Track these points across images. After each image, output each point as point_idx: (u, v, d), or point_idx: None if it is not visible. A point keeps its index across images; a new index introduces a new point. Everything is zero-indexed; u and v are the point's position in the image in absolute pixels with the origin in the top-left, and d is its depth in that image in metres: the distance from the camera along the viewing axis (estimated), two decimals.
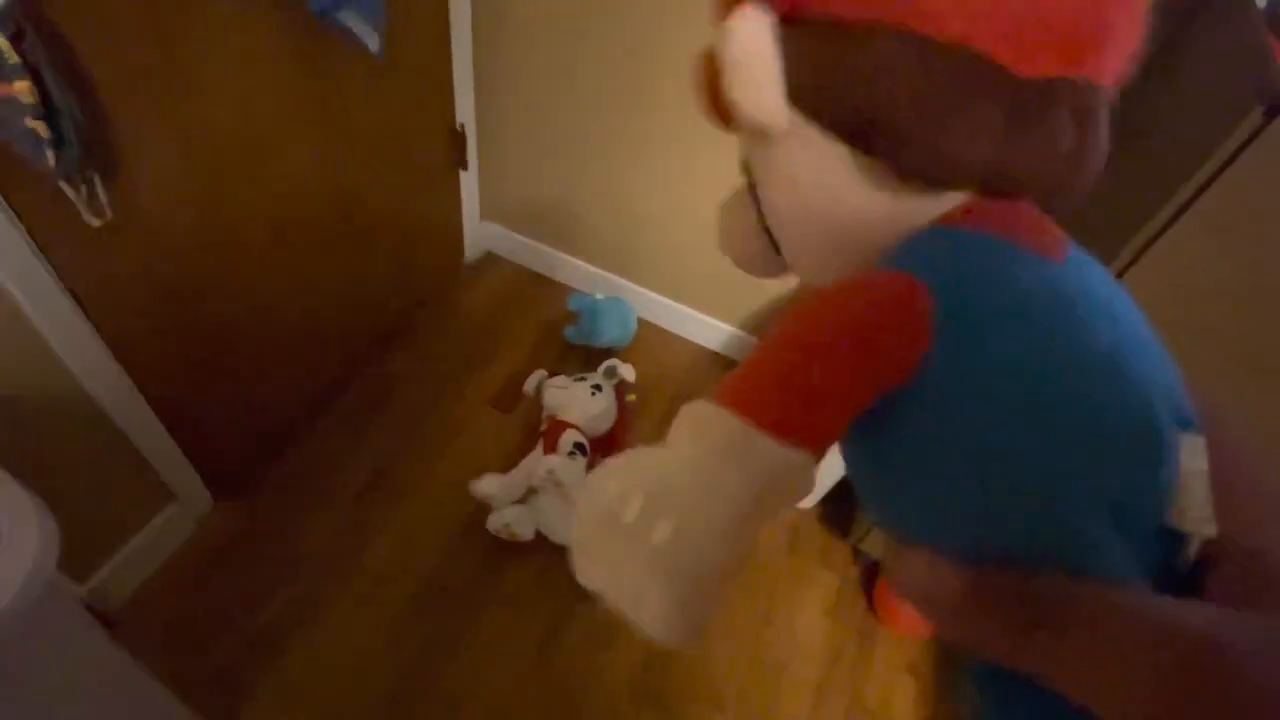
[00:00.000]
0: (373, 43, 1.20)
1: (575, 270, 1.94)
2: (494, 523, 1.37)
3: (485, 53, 1.61)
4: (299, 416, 1.56)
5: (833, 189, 0.21)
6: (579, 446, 1.41)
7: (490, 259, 2.02)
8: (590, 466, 1.44)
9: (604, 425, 1.53)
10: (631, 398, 1.60)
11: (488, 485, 1.35)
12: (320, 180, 1.35)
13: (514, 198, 1.89)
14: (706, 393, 0.18)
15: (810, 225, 0.22)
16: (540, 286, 1.98)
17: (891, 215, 0.21)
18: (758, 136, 0.22)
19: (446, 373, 1.72)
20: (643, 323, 1.89)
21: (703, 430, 0.18)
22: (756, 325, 1.83)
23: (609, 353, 1.80)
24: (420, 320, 1.81)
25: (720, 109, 0.22)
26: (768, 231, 0.25)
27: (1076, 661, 0.15)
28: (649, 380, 1.78)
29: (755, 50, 0.20)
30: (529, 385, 1.60)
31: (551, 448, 1.41)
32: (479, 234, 1.96)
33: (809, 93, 0.20)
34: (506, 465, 1.51)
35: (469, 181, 1.80)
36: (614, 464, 0.19)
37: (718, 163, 1.55)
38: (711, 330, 1.88)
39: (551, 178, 1.79)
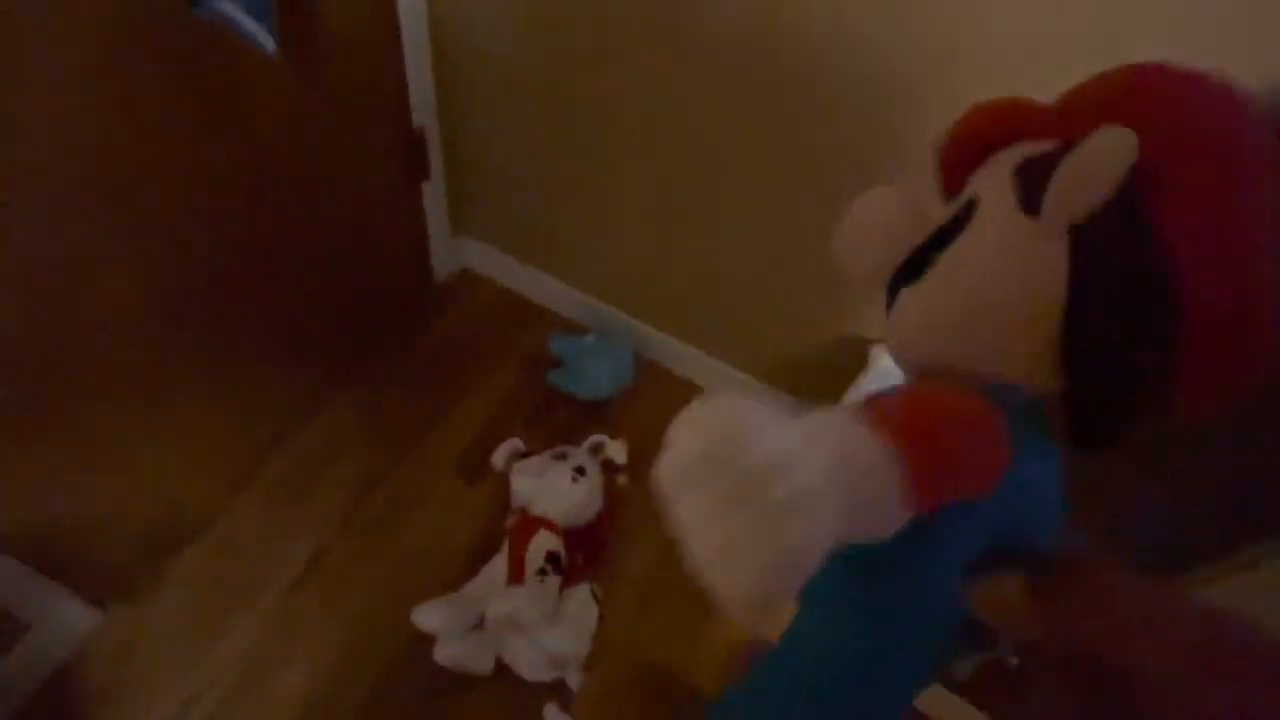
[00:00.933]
0: (266, 41, 0.86)
1: (564, 296, 1.61)
2: (443, 656, 1.09)
3: (447, 39, 1.25)
4: (217, 492, 1.28)
5: (1040, 302, 0.22)
6: (552, 560, 1.13)
7: (468, 277, 1.70)
8: (569, 571, 1.15)
9: (587, 515, 1.24)
10: (623, 480, 1.30)
11: (431, 617, 1.07)
12: (229, 212, 1.03)
13: (492, 210, 1.56)
14: (866, 407, 0.19)
15: (986, 298, 0.22)
16: (524, 312, 1.66)
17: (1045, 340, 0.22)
18: (1036, 225, 0.22)
19: (406, 428, 1.43)
20: (644, 362, 1.57)
21: (851, 442, 0.19)
22: (775, 375, 1.51)
23: (599, 405, 1.50)
24: (380, 358, 1.51)
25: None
26: (913, 262, 0.25)
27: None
28: (650, 434, 1.48)
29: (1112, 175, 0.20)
30: (498, 458, 1.30)
31: (519, 561, 1.13)
32: (452, 250, 1.63)
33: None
34: (469, 557, 1.23)
35: (434, 192, 1.46)
36: (750, 407, 0.20)
37: (741, 177, 1.21)
38: (724, 378, 1.56)
39: (535, 187, 1.45)
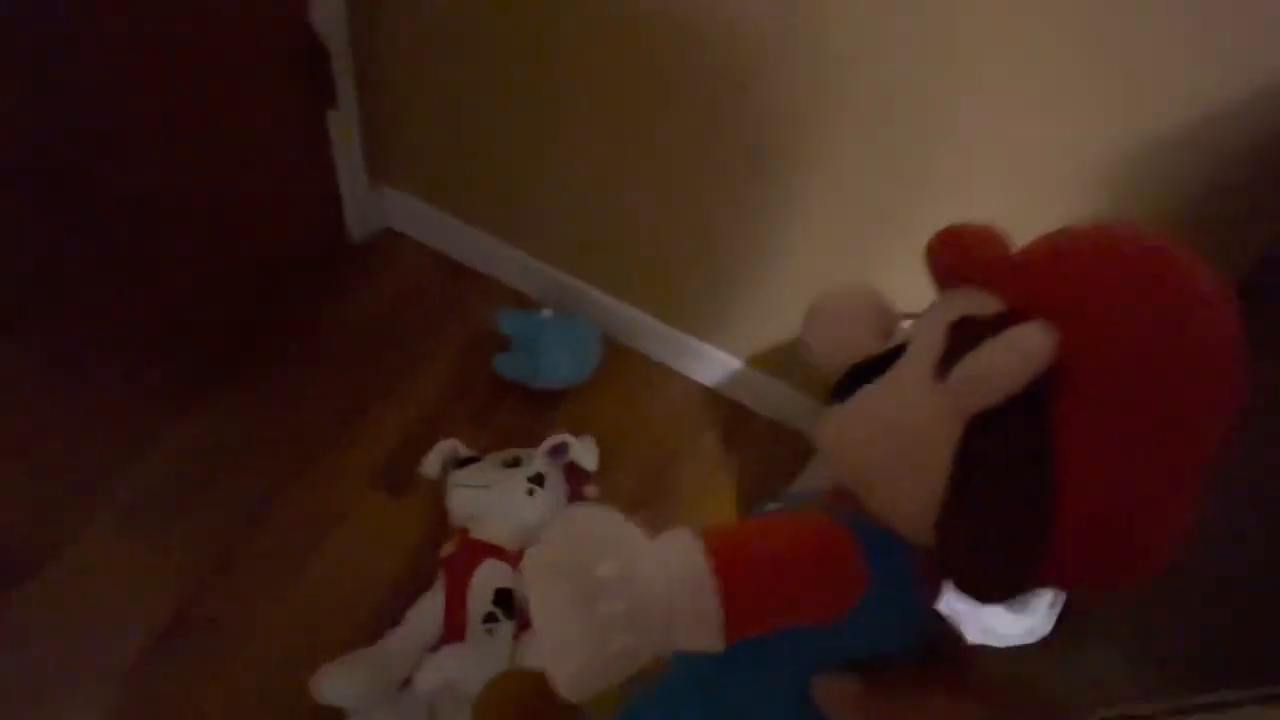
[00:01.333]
0: None
1: (512, 262, 1.33)
2: None
3: None
4: (49, 522, 0.96)
5: (927, 472, 0.22)
6: (502, 600, 0.86)
7: (392, 239, 1.39)
8: (526, 612, 0.89)
9: None
10: (592, 492, 1.04)
11: (338, 687, 0.78)
12: (52, 152, 0.72)
13: (421, 151, 1.25)
14: (708, 532, 0.20)
15: (895, 436, 0.23)
16: (462, 283, 1.37)
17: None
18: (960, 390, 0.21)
19: (310, 431, 1.12)
20: (614, 346, 1.31)
21: (685, 573, 0.20)
22: (766, 361, 1.27)
23: (558, 398, 1.23)
24: (275, 343, 1.20)
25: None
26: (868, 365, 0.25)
27: None
28: (623, 432, 1.22)
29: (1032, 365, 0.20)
30: (430, 465, 1.02)
31: (458, 604, 0.85)
32: (371, 204, 1.32)
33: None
34: (392, 595, 0.96)
35: (346, 127, 1.15)
36: (617, 524, 0.21)
37: (728, 121, 0.96)
38: (707, 361, 1.31)
39: (474, 126, 1.16)
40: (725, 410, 1.34)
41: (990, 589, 0.21)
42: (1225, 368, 0.19)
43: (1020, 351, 0.19)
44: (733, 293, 1.19)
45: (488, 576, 0.87)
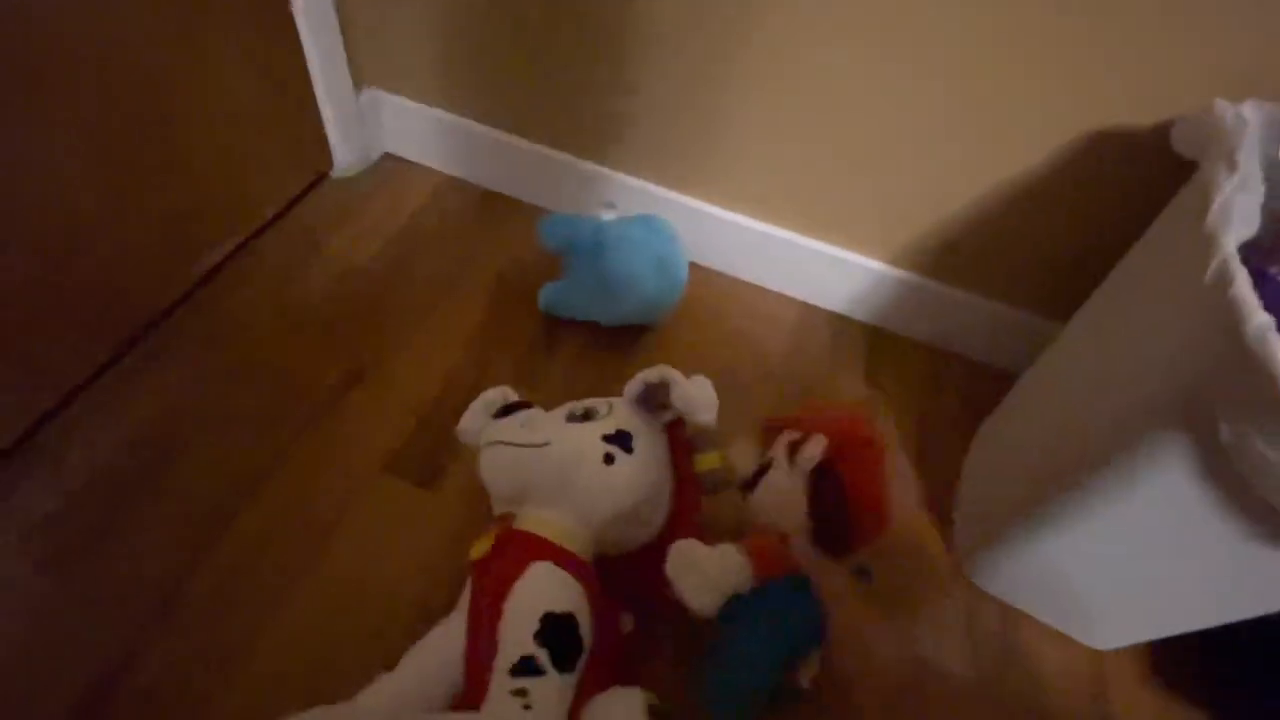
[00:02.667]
0: None
1: (568, 176, 0.99)
2: None
3: None
4: None
5: (801, 488, 0.64)
6: (551, 631, 0.49)
7: (392, 168, 1.09)
8: (598, 662, 0.53)
9: (644, 532, 0.61)
10: (716, 459, 0.65)
11: None
12: None
13: (428, 35, 0.94)
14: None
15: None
16: (490, 211, 1.04)
17: None
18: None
19: (294, 405, 0.82)
20: (696, 270, 0.94)
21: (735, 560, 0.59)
22: (913, 260, 0.86)
23: (633, 335, 0.88)
24: (241, 294, 0.91)
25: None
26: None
27: None
28: (735, 375, 0.85)
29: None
30: (468, 426, 0.67)
31: (487, 628, 0.50)
32: (361, 117, 1.02)
33: None
34: (414, 623, 0.62)
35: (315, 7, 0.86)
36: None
37: None
38: (836, 272, 0.92)
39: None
40: (865, 340, 0.93)
41: (830, 549, 0.56)
42: (878, 458, 0.61)
43: (813, 450, 0.59)
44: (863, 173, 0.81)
45: (534, 591, 0.51)
